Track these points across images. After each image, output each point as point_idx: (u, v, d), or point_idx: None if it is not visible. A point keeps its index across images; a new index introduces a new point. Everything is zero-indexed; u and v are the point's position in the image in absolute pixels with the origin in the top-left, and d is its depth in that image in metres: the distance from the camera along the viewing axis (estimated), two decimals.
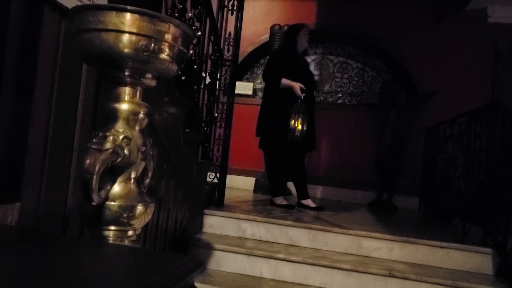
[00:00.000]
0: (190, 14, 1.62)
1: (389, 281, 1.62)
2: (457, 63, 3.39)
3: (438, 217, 2.63)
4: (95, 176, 0.56)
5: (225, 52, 2.32)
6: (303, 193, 2.49)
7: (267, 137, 2.45)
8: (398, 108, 3.07)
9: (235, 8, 2.25)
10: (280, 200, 2.45)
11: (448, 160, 2.49)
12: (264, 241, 1.90)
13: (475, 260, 1.75)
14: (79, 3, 0.76)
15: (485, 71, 3.35)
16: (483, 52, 3.36)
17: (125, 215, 0.60)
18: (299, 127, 2.24)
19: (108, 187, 0.61)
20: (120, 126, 0.61)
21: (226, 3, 2.23)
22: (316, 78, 2.58)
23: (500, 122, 1.88)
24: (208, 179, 2.22)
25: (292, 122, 2.24)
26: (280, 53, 2.55)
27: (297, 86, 2.30)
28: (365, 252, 1.82)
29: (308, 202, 2.47)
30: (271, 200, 2.50)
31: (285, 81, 2.34)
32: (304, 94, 2.30)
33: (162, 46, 0.59)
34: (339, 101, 3.84)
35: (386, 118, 3.08)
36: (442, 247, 1.78)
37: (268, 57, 2.91)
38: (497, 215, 1.79)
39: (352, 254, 1.83)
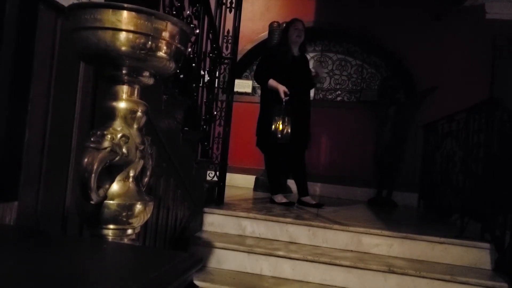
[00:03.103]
0: (188, 12, 1.62)
1: (389, 277, 1.63)
2: (456, 59, 3.38)
3: (437, 213, 2.64)
4: (93, 175, 0.56)
5: (224, 50, 2.31)
6: (303, 190, 2.50)
7: (261, 137, 2.47)
8: (397, 105, 3.07)
9: (233, 5, 2.24)
10: (279, 198, 2.45)
11: (446, 156, 2.49)
12: (264, 238, 1.91)
13: (474, 255, 1.76)
14: (75, 1, 0.76)
15: (484, 67, 3.35)
16: (482, 49, 3.35)
17: (124, 214, 0.60)
18: (280, 129, 2.23)
19: (107, 186, 0.61)
20: (118, 125, 0.61)
21: (224, 1, 2.22)
22: (312, 72, 2.57)
23: (498, 118, 1.88)
24: (208, 178, 2.22)
25: (274, 125, 2.24)
26: (270, 53, 2.57)
27: (281, 89, 2.31)
28: (365, 249, 1.83)
29: (308, 199, 2.48)
30: (270, 198, 2.51)
31: (271, 82, 2.36)
32: (287, 98, 2.30)
33: (160, 44, 0.59)
34: (338, 98, 3.84)
35: (385, 115, 3.08)
36: (441, 243, 1.79)
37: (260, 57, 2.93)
38: (495, 210, 1.80)
39: (351, 250, 1.83)
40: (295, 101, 2.33)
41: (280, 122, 2.23)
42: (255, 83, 3.86)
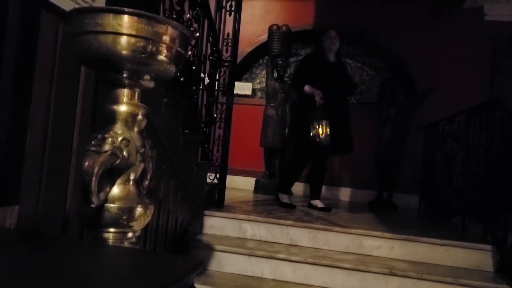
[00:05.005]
0: (188, 16, 1.63)
1: (390, 280, 1.62)
2: (456, 61, 3.39)
3: (438, 215, 2.63)
4: (94, 178, 0.56)
5: (224, 53, 2.32)
6: (316, 193, 2.52)
7: (300, 141, 2.48)
8: (397, 106, 3.07)
9: (233, 9, 2.25)
10: (285, 198, 2.47)
11: (447, 157, 2.49)
12: (264, 241, 1.90)
13: (476, 257, 1.75)
14: (76, 6, 0.77)
15: (484, 68, 3.35)
16: (481, 50, 3.36)
17: (124, 217, 0.61)
18: (321, 132, 2.27)
19: (107, 189, 0.61)
20: (118, 128, 0.62)
21: (224, 4, 2.23)
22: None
23: (498, 118, 1.88)
24: (208, 180, 2.22)
25: (313, 130, 2.29)
26: (306, 60, 2.65)
27: (316, 93, 2.36)
28: (366, 251, 1.82)
29: (316, 202, 2.49)
30: (276, 196, 2.51)
31: (307, 88, 2.41)
32: (322, 101, 2.34)
33: (160, 48, 0.59)
34: None
35: (385, 116, 3.09)
36: (442, 245, 1.78)
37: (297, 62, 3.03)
38: (496, 212, 1.79)
39: (352, 253, 1.83)
40: (332, 106, 2.36)
41: (318, 126, 2.27)
42: (255, 85, 3.88)
